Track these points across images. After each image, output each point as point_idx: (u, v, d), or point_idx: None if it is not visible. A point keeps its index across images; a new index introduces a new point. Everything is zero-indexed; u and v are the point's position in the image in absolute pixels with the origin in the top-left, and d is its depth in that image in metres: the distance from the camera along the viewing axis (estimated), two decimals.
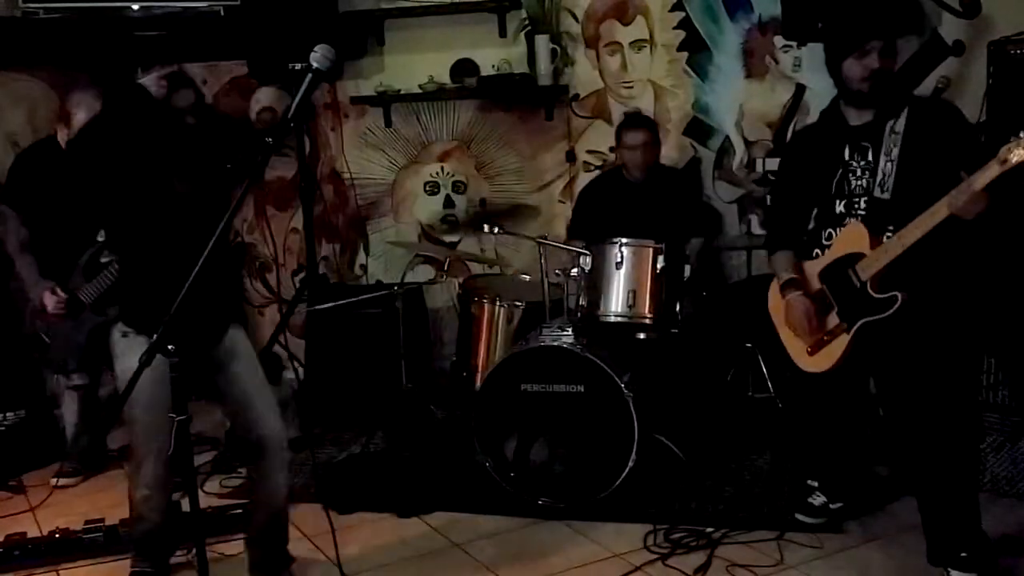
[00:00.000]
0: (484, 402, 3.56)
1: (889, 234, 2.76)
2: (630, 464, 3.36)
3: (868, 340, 2.83)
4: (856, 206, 2.88)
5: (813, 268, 2.99)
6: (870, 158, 2.85)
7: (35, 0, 4.34)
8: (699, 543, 3.14)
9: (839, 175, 2.90)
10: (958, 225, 2.58)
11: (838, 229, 2.91)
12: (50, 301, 3.62)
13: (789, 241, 3.11)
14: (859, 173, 2.87)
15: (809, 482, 3.33)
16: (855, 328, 2.83)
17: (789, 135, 4.37)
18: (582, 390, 3.44)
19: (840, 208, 2.91)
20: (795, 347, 3.04)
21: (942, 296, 2.79)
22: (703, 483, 3.57)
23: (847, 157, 2.89)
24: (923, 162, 2.75)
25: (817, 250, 2.99)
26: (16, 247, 3.72)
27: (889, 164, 2.79)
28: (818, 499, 3.26)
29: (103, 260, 3.65)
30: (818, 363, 2.96)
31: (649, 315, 3.62)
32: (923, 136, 2.77)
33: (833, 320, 2.91)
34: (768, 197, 3.93)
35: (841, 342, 2.87)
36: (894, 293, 2.74)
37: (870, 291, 2.78)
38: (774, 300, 3.14)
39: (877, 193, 2.82)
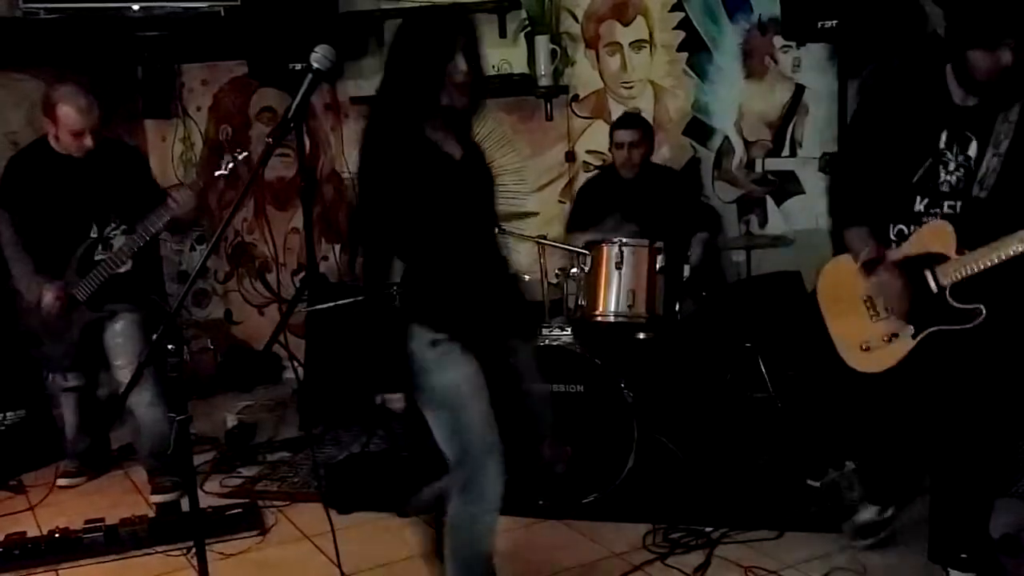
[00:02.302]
0: None
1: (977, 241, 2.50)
2: (630, 464, 3.36)
3: (933, 349, 2.61)
4: (940, 206, 2.59)
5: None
6: (971, 152, 2.54)
7: (35, 0, 4.34)
8: (698, 543, 3.13)
9: (928, 165, 2.58)
10: None
11: (912, 227, 2.63)
12: (48, 297, 3.62)
13: (863, 215, 2.72)
14: (952, 167, 2.57)
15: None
16: (923, 335, 2.61)
17: (790, 131, 4.38)
18: (582, 390, 3.44)
19: (920, 206, 2.62)
20: (847, 340, 2.77)
21: (1020, 318, 2.55)
22: (703, 483, 3.58)
23: (942, 145, 2.57)
24: None
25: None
26: (11, 246, 3.73)
27: (996, 159, 2.50)
28: (868, 512, 3.04)
29: (97, 257, 3.66)
30: (872, 363, 2.72)
31: (648, 315, 3.62)
32: None
33: (898, 321, 2.65)
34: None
35: (903, 345, 2.64)
36: (978, 306, 2.50)
37: (949, 299, 2.55)
38: (828, 281, 2.85)
39: (976, 191, 2.53)
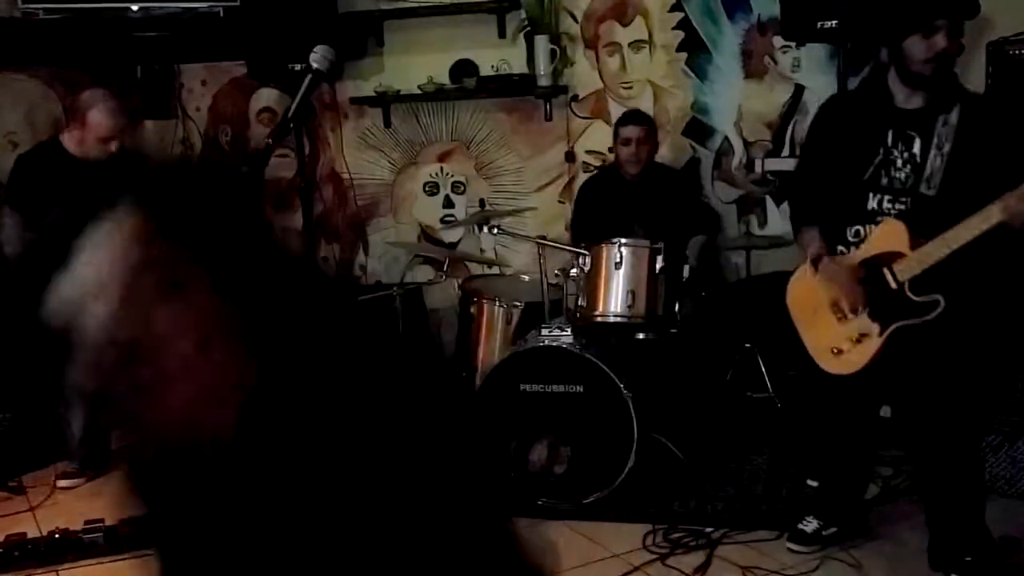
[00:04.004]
0: (484, 402, 3.56)
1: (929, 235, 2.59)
2: (629, 464, 3.36)
3: (899, 345, 2.69)
4: (892, 203, 2.69)
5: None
6: (916, 150, 2.64)
7: (35, 0, 4.34)
8: (698, 543, 3.14)
9: (877, 162, 2.69)
10: (1006, 233, 2.45)
11: (868, 227, 2.73)
12: None
13: (815, 217, 2.86)
14: (900, 164, 2.67)
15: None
16: (888, 331, 2.68)
17: (790, 131, 4.38)
18: (581, 390, 3.44)
19: (873, 204, 2.71)
20: (819, 346, 2.84)
21: (980, 306, 2.64)
22: (702, 483, 3.58)
23: (889, 143, 2.68)
24: (976, 161, 2.57)
25: (841, 247, 2.79)
26: (17, 248, 3.74)
27: (939, 159, 2.60)
28: (810, 524, 3.09)
29: None
30: (844, 365, 2.78)
31: (648, 315, 3.62)
32: (977, 133, 2.59)
33: (864, 321, 2.74)
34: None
35: (872, 344, 2.71)
36: (936, 297, 2.58)
37: (908, 294, 2.64)
38: (796, 291, 2.95)
39: (923, 189, 2.63)
